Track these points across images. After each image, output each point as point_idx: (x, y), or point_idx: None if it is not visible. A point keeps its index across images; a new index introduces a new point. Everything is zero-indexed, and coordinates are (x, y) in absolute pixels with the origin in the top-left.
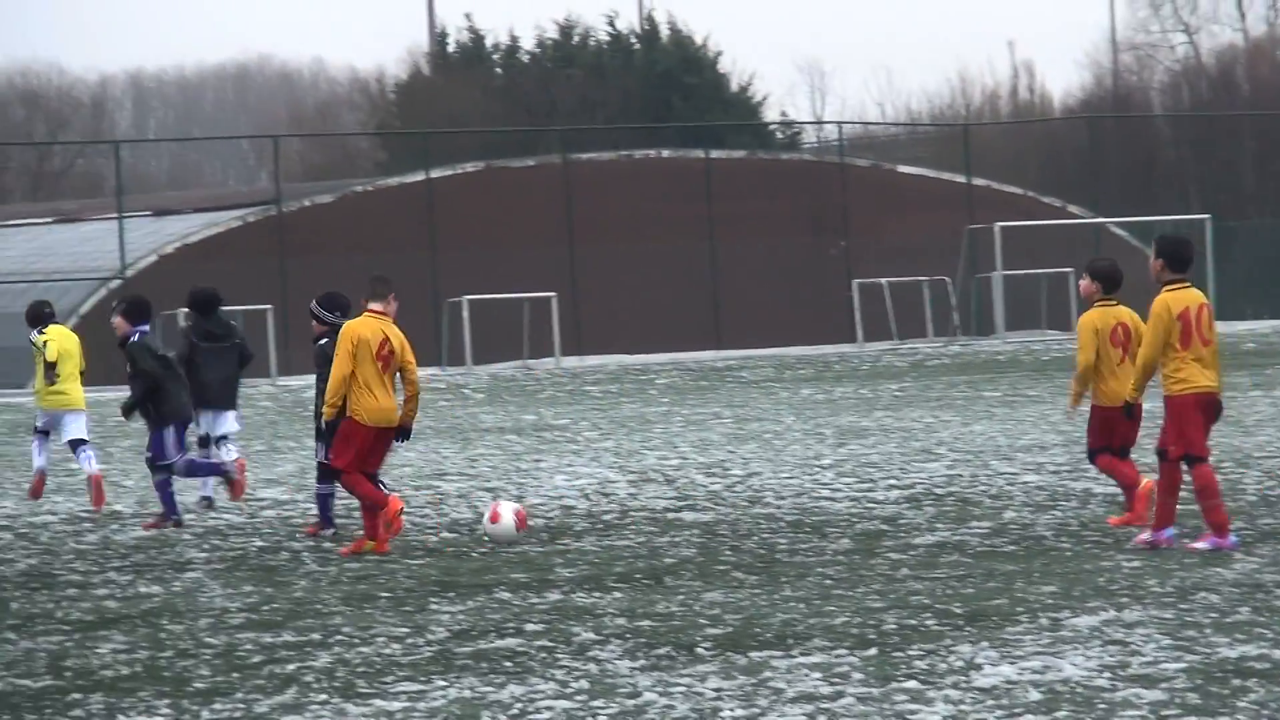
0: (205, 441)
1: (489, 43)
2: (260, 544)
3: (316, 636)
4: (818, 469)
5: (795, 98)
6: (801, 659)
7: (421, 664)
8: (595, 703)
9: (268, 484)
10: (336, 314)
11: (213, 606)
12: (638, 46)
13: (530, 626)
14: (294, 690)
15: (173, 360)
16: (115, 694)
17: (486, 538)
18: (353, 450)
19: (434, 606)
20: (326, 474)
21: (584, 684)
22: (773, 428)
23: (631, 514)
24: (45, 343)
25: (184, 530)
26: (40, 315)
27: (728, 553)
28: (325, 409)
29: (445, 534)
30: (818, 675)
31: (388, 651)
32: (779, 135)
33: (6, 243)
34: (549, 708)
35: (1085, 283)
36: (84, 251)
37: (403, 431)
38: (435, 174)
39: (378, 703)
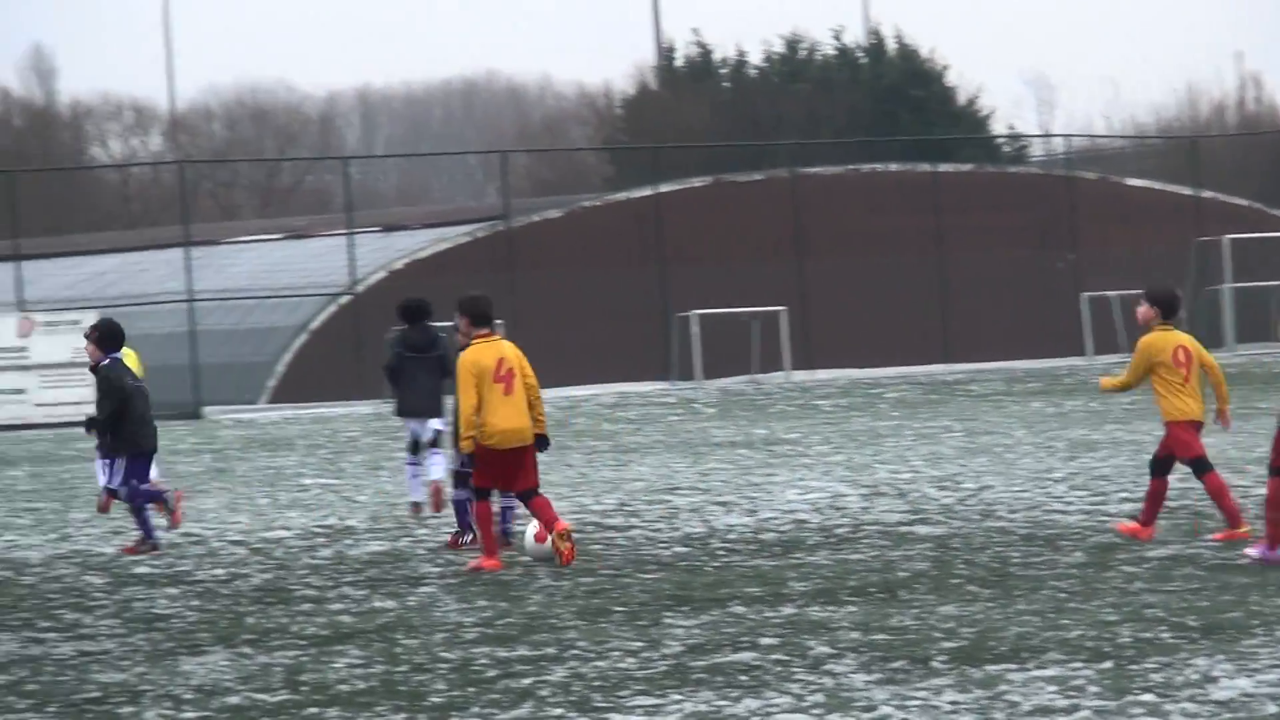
0: (415, 448)
1: (716, 57)
2: None
3: (551, 650)
4: (1050, 482)
5: (1022, 111)
6: (1037, 672)
7: (656, 678)
8: (831, 716)
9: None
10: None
11: (447, 621)
12: (864, 60)
13: (765, 640)
14: (529, 704)
15: (136, 390)
16: (351, 708)
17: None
18: (491, 474)
19: (668, 620)
20: (463, 480)
21: (819, 697)
22: (1004, 441)
23: (864, 528)
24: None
25: (419, 545)
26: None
27: (961, 566)
28: (461, 443)
29: (678, 548)
30: (1053, 689)
31: (623, 665)
32: (1006, 149)
33: (237, 259)
34: None
35: (1144, 309)
36: (314, 268)
37: (541, 440)
38: (663, 189)
39: (613, 716)
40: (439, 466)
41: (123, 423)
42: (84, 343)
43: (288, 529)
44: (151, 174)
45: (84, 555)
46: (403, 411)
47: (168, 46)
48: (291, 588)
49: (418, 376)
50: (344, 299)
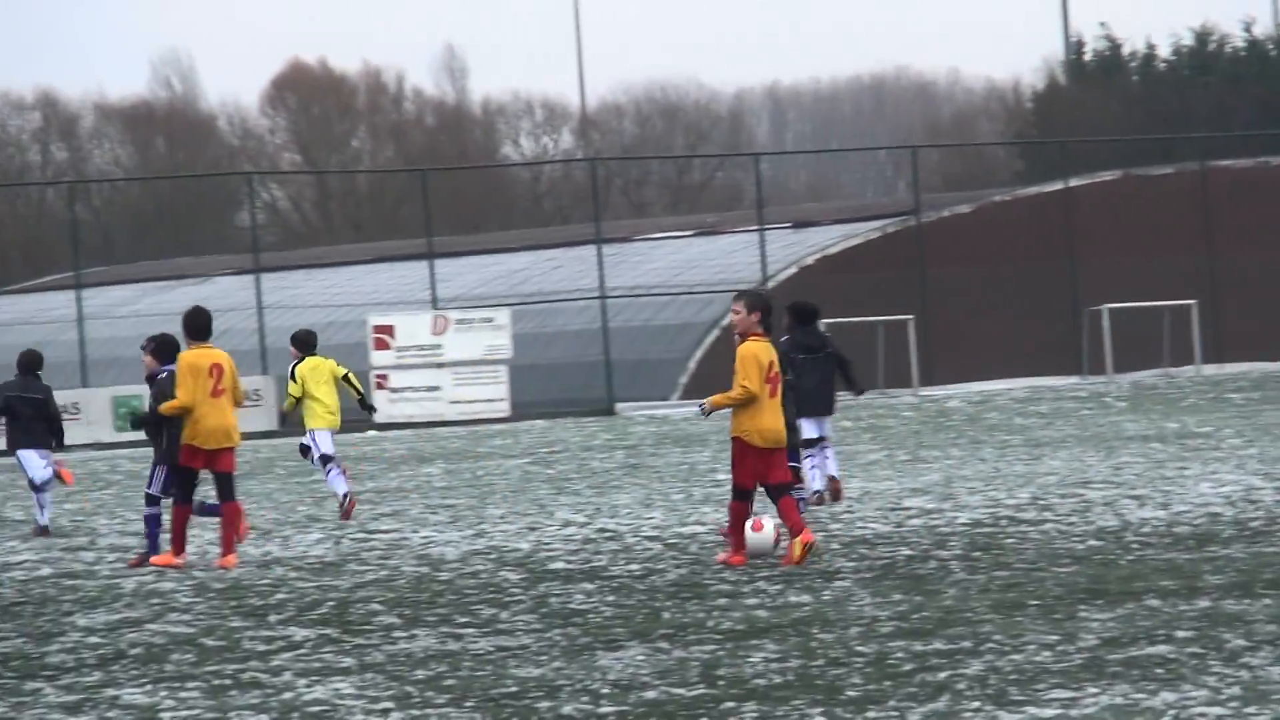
0: (810, 444)
1: (1125, 51)
2: (908, 552)
3: (967, 644)
4: None
5: None
6: None
7: (1073, 671)
8: (1248, 709)
9: (912, 493)
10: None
11: (862, 615)
12: (1275, 53)
13: (1180, 633)
14: (946, 698)
15: None
16: (769, 702)
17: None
18: (752, 472)
19: (1083, 614)
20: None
21: (1236, 690)
22: None
23: (1279, 520)
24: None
25: (832, 540)
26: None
27: None
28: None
29: (1092, 542)
30: None
31: (1038, 659)
32: None
33: (649, 256)
34: (1202, 714)
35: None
36: (726, 264)
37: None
38: (1073, 183)
39: (1030, 710)
40: (832, 461)
41: (166, 434)
42: (497, 339)
43: (702, 524)
44: (563, 171)
45: (499, 551)
46: (797, 412)
47: (578, 44)
48: (706, 583)
49: (810, 375)
50: None
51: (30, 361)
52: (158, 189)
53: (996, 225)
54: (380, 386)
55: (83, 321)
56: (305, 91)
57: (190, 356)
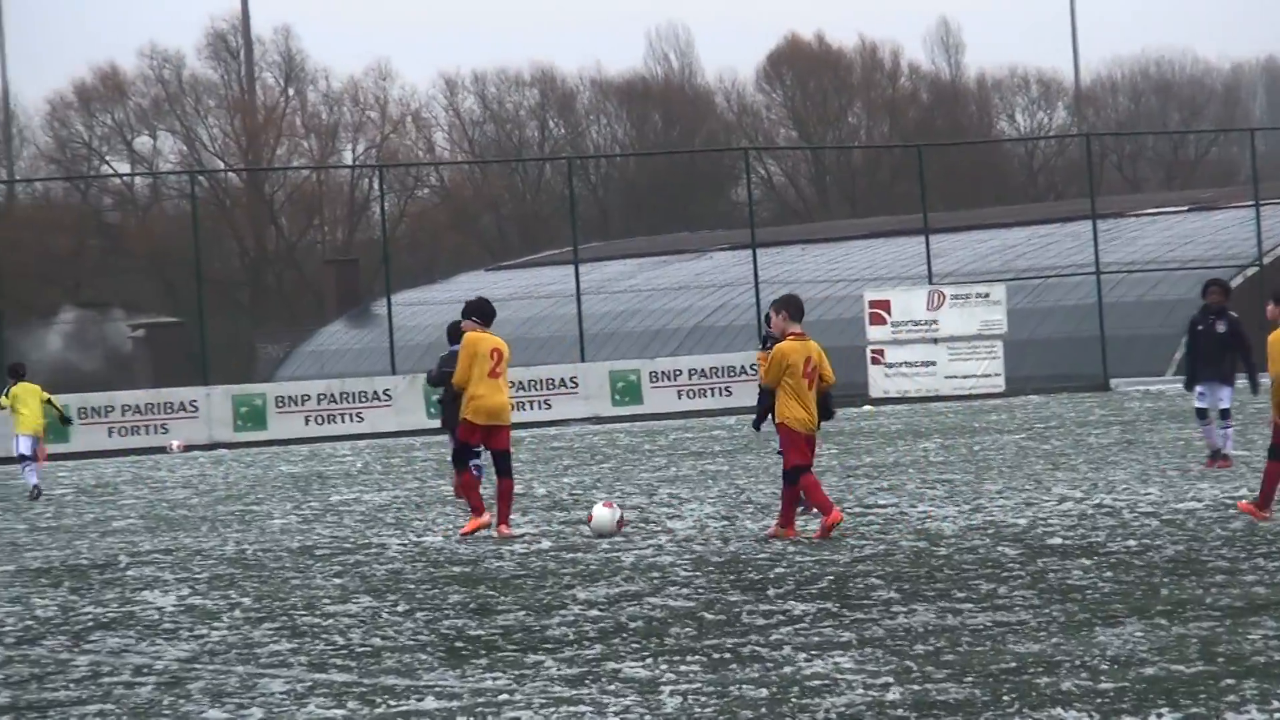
0: (1204, 414)
1: None
2: None
3: None
4: None
5: None
6: None
7: None
8: None
9: None
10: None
11: None
12: None
13: None
14: None
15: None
16: (1269, 680)
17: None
18: (797, 450)
19: None
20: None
21: None
22: None
23: None
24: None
25: None
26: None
27: None
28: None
29: None
30: None
31: None
32: None
33: (1143, 232)
34: None
35: (1272, 307)
36: (1220, 239)
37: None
38: None
39: None
40: (1227, 437)
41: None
42: (991, 315)
43: (1199, 500)
44: (1057, 147)
45: (997, 526)
46: (1190, 382)
47: (1072, 18)
48: (1205, 559)
49: (1204, 347)
50: (1250, 271)
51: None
52: (654, 164)
53: None
54: (876, 361)
55: (580, 296)
56: (802, 67)
57: (474, 338)
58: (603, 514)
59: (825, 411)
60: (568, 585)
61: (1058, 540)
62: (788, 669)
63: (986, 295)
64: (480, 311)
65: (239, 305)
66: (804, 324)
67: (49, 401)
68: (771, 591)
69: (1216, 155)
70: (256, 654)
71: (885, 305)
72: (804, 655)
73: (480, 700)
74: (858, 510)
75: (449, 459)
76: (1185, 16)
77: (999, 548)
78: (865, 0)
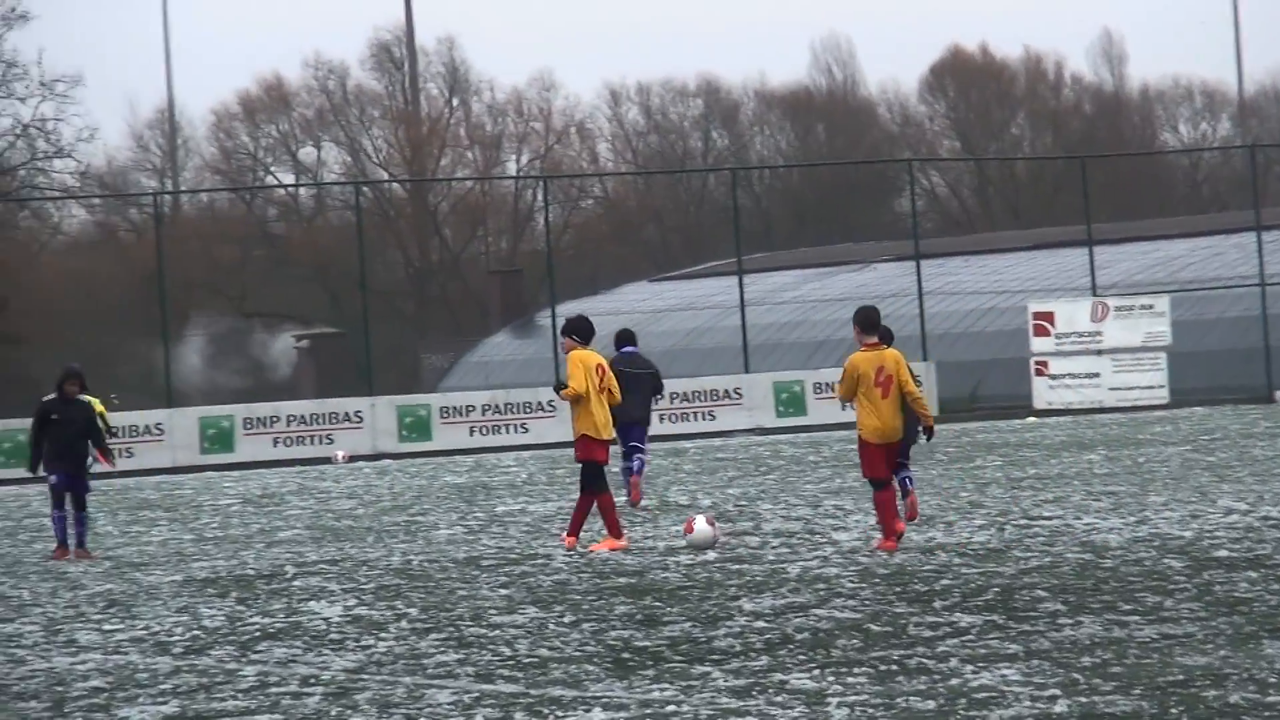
0: None
1: None
2: None
3: None
4: None
5: None
6: None
7: None
8: None
9: None
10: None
11: None
12: None
13: None
14: None
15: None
16: None
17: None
18: (869, 463)
19: None
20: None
21: None
22: None
23: None
24: None
25: None
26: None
27: None
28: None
29: None
30: None
31: None
32: None
33: None
34: None
35: None
36: None
37: (928, 431)
38: None
39: None
40: None
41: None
42: (1156, 326)
43: None
44: (1221, 158)
45: (1162, 538)
46: None
47: (1235, 28)
48: None
49: None
50: None
51: None
52: (817, 175)
53: None
54: (1040, 373)
55: (744, 307)
56: (964, 77)
57: (581, 354)
58: (704, 529)
59: (912, 429)
60: (734, 596)
61: (1224, 553)
62: (954, 681)
63: (1151, 307)
64: (580, 330)
65: (403, 316)
66: (968, 334)
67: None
68: (938, 603)
69: None
70: (423, 665)
71: (1049, 317)
72: (970, 667)
73: (647, 711)
74: (1023, 522)
75: (620, 470)
76: None
77: (1165, 560)
78: (1028, 12)
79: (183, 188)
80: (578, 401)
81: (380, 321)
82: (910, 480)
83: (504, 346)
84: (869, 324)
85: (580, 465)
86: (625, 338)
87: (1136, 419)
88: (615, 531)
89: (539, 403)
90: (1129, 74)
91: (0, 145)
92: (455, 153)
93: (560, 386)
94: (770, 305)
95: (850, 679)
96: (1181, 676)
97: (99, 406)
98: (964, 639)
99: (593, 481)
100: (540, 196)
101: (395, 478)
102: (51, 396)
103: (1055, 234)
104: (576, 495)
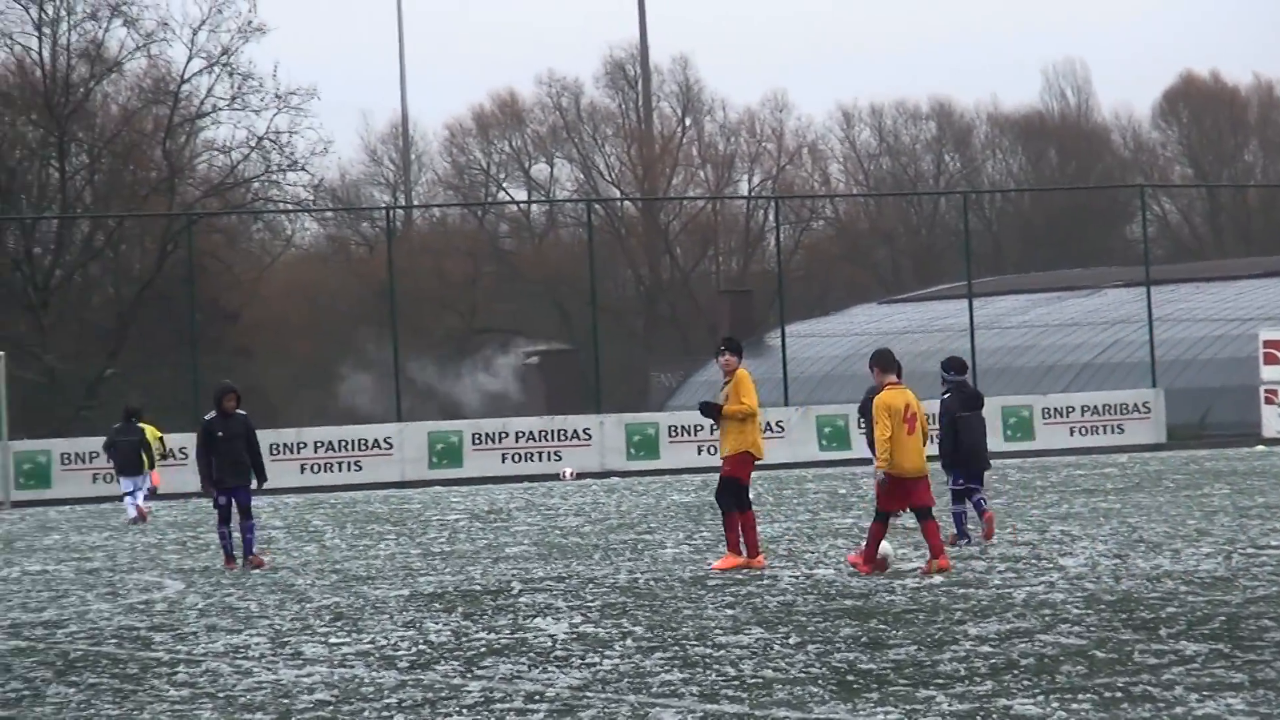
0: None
1: None
2: None
3: None
4: None
5: None
6: None
7: None
8: None
9: None
10: (951, 374)
11: None
12: None
13: None
14: None
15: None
16: None
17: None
18: (886, 495)
19: None
20: (958, 496)
21: None
22: None
23: None
24: None
25: None
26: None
27: None
28: (877, 463)
29: None
30: None
31: None
32: None
33: None
34: None
35: None
36: None
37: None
38: None
39: None
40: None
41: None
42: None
43: None
44: None
45: None
46: None
47: None
48: None
49: None
50: None
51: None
52: (1049, 200)
53: None
54: (1270, 401)
55: (974, 330)
56: (1197, 104)
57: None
58: (885, 548)
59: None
60: (959, 621)
61: None
62: (1179, 709)
63: None
64: (883, 362)
65: (632, 334)
66: (1198, 360)
67: (160, 439)
68: (1163, 631)
69: None
70: (648, 683)
71: None
72: (1195, 696)
73: None
74: (1250, 551)
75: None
76: None
77: None
78: (1261, 38)
79: (415, 202)
80: (745, 420)
81: (610, 339)
82: (984, 501)
83: None
84: (888, 364)
85: (729, 481)
86: (954, 365)
87: None
88: (741, 549)
89: (768, 424)
90: None
91: (235, 158)
92: (687, 171)
93: (714, 406)
94: (999, 329)
95: (1075, 705)
96: None
97: (155, 432)
98: (1189, 667)
99: (741, 499)
100: (771, 217)
101: (623, 495)
102: (212, 415)
103: None
104: (803, 516)
